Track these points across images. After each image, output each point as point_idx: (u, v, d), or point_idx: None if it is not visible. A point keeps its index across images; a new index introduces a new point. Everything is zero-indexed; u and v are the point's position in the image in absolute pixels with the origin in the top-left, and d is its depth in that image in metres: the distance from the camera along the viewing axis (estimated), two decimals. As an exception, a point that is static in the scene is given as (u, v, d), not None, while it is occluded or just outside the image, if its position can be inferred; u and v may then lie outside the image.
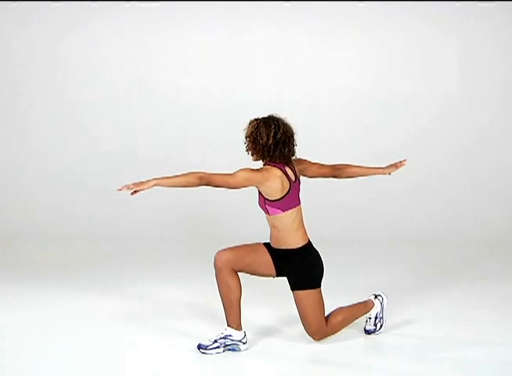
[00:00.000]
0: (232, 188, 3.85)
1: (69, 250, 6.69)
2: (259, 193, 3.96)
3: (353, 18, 7.39)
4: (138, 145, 7.50)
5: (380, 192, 7.41)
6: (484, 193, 7.38)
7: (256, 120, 3.97)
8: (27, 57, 7.53)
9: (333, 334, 4.11)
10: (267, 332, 4.27)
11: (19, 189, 7.55)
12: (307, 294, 3.99)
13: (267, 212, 3.96)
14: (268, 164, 3.95)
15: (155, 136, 7.49)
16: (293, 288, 4.03)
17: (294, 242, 3.98)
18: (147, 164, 7.41)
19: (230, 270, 3.92)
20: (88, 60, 7.51)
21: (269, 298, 4.94)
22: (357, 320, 4.25)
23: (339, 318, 4.12)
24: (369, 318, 4.26)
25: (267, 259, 4.01)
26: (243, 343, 3.98)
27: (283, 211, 3.94)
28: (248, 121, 4.00)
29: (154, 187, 3.74)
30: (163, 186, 3.76)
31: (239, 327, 3.96)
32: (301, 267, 3.98)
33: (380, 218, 7.35)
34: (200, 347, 3.94)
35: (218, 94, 7.41)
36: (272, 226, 3.99)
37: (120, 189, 3.67)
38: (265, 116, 3.98)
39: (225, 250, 3.96)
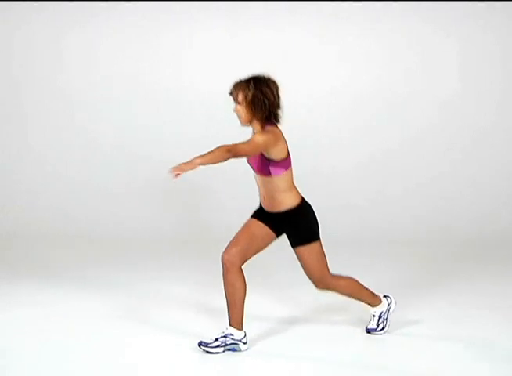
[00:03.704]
0: (252, 155, 3.79)
1: (69, 250, 6.68)
2: (260, 158, 3.86)
3: (353, 18, 7.39)
4: (138, 145, 7.49)
5: (380, 192, 7.41)
6: (485, 193, 7.38)
7: (247, 81, 3.87)
8: (28, 57, 7.53)
9: (333, 291, 4.14)
10: (267, 332, 4.27)
11: (19, 189, 7.54)
12: (309, 248, 3.98)
13: (269, 174, 3.88)
14: (268, 126, 3.89)
15: (155, 136, 7.48)
16: (294, 245, 4.02)
17: (292, 201, 3.94)
18: (147, 164, 7.41)
19: (237, 270, 3.90)
20: (88, 60, 7.50)
21: (269, 297, 4.94)
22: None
23: (347, 283, 4.15)
24: (373, 315, 4.24)
25: (265, 231, 3.98)
26: (244, 343, 3.98)
27: (286, 170, 3.91)
28: (234, 85, 3.89)
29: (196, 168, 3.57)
30: (204, 164, 3.58)
31: (240, 327, 3.96)
32: (301, 225, 3.95)
33: (380, 218, 7.34)
34: (201, 344, 3.93)
35: (218, 94, 7.37)
36: (271, 190, 3.91)
37: (177, 175, 3.50)
38: (253, 76, 3.89)
39: (230, 248, 3.93)
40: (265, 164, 3.88)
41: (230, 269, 3.91)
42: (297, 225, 3.97)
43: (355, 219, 7.34)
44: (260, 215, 4.03)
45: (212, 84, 7.56)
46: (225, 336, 3.94)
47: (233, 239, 3.98)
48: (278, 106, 3.92)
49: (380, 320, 4.23)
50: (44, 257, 6.39)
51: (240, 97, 3.87)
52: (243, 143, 3.75)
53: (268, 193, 3.95)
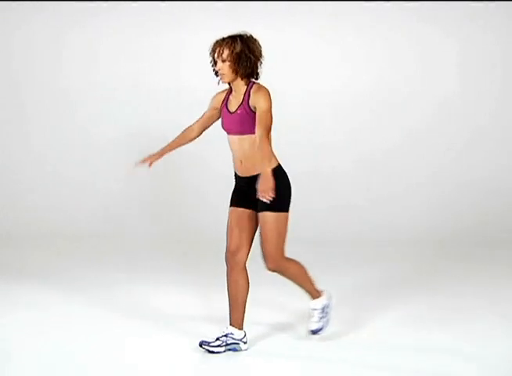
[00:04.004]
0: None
1: (69, 250, 6.68)
2: (247, 113, 3.80)
3: (353, 18, 7.39)
4: (139, 145, 7.48)
5: (380, 192, 7.41)
6: (485, 193, 7.37)
7: (233, 37, 3.81)
8: (28, 57, 7.53)
9: (282, 273, 3.96)
10: (267, 332, 4.27)
11: (19, 189, 7.54)
12: (277, 217, 3.83)
13: (253, 132, 3.80)
14: (253, 84, 3.85)
15: (155, 136, 7.47)
16: (262, 209, 3.85)
17: (271, 163, 3.81)
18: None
19: (242, 268, 3.90)
20: (88, 60, 7.50)
21: (269, 298, 4.94)
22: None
23: (297, 266, 4.00)
24: (314, 309, 4.08)
25: (247, 214, 3.93)
26: (244, 343, 3.97)
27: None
28: (216, 42, 3.82)
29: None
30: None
31: (240, 327, 3.96)
32: (277, 187, 3.77)
33: (380, 218, 7.34)
34: (202, 343, 3.92)
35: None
36: (252, 149, 3.81)
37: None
38: (236, 34, 3.83)
39: (229, 246, 3.93)
40: (252, 121, 3.80)
41: (234, 267, 3.91)
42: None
43: (355, 219, 7.34)
44: (236, 199, 3.97)
45: (212, 85, 7.54)
46: (225, 335, 3.94)
47: (228, 237, 3.96)
48: (260, 65, 3.87)
49: (323, 314, 4.08)
50: (43, 257, 6.39)
51: (226, 53, 3.81)
52: (262, 117, 3.73)
53: (247, 153, 3.84)
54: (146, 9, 7.41)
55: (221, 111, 3.97)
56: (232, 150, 3.96)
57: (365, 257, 6.43)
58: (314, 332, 4.10)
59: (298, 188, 7.34)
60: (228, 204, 4.07)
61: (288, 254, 4.01)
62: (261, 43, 3.88)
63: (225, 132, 3.96)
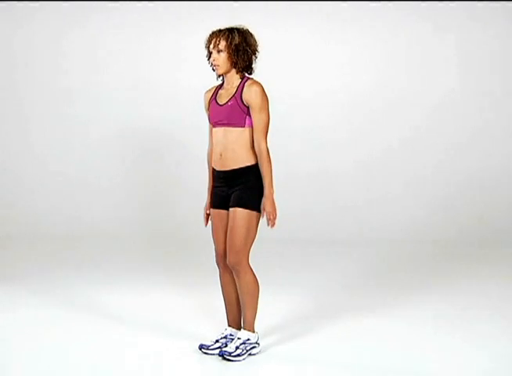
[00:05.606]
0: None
1: (69, 249, 6.68)
2: (238, 105, 3.76)
3: (353, 18, 7.40)
4: (139, 145, 7.50)
5: (380, 192, 7.41)
6: (485, 193, 7.38)
7: (230, 30, 3.78)
8: (28, 57, 7.54)
9: (237, 277, 3.80)
10: (267, 332, 4.26)
11: (19, 189, 7.54)
12: (248, 215, 3.74)
13: (242, 125, 3.75)
14: (248, 78, 3.83)
15: (155, 136, 7.49)
16: (235, 205, 3.76)
17: (252, 159, 3.77)
18: (147, 163, 7.41)
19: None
20: (88, 60, 7.51)
21: (268, 298, 4.93)
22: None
23: (254, 281, 3.82)
24: (238, 338, 3.86)
25: (228, 214, 3.85)
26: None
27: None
28: (213, 34, 3.79)
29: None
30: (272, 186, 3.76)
31: (238, 327, 3.95)
32: (252, 185, 3.76)
33: (380, 218, 7.35)
34: (201, 347, 3.92)
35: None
36: (236, 143, 3.75)
37: (273, 226, 3.73)
38: (233, 26, 3.80)
39: (219, 248, 3.89)
40: (242, 115, 3.76)
41: (226, 269, 3.89)
42: (249, 184, 3.75)
43: (355, 219, 7.34)
44: (216, 201, 3.88)
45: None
46: (224, 337, 3.93)
47: (215, 241, 3.91)
48: (255, 60, 3.85)
49: (241, 346, 3.83)
50: (43, 257, 6.39)
51: (223, 44, 3.77)
52: (256, 118, 3.71)
53: (230, 146, 3.77)
54: (145, 9, 7.42)
55: (210, 105, 3.90)
56: (213, 143, 3.87)
57: (364, 257, 6.44)
58: (224, 353, 3.82)
59: (298, 188, 7.44)
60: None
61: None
62: (261, 42, 3.86)
63: (211, 125, 3.88)
